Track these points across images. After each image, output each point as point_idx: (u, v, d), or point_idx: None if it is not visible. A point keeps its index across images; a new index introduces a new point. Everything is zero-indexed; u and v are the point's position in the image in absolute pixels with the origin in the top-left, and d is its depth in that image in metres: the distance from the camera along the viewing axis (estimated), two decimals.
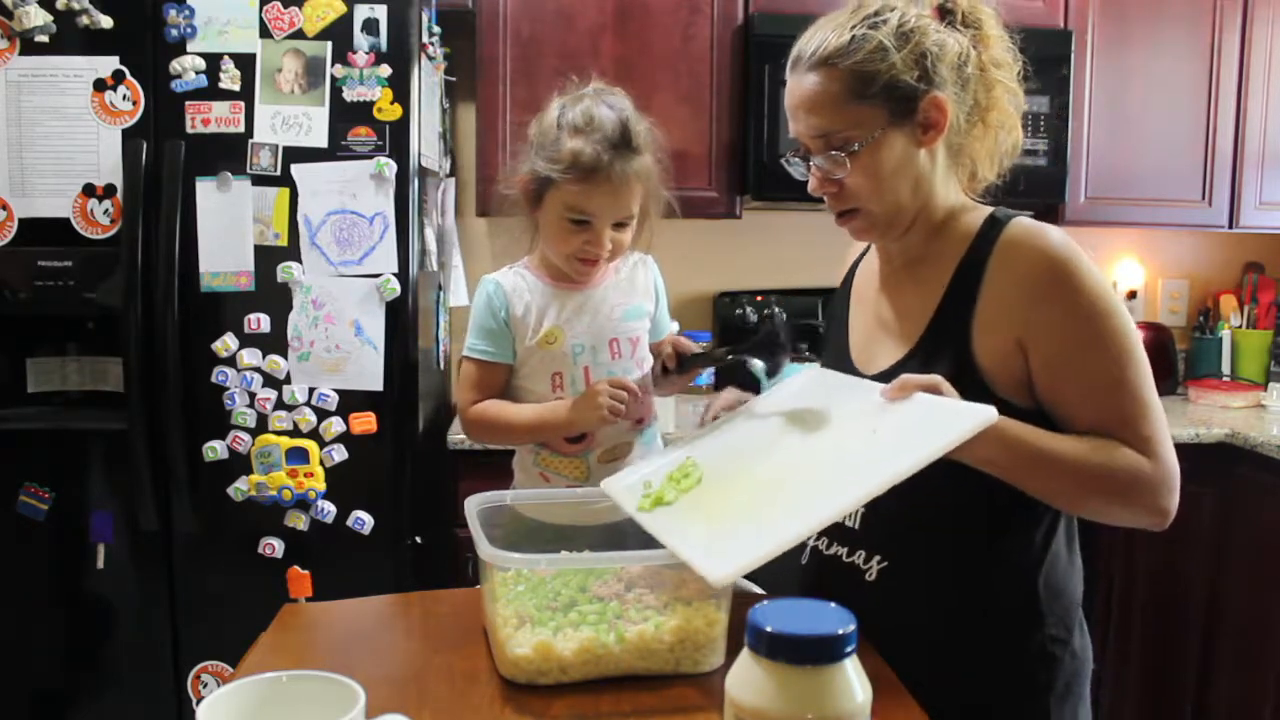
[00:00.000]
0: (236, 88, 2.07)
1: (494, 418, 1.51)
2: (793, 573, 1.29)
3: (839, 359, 1.32)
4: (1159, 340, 3.04)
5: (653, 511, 1.14)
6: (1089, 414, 1.10)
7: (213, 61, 2.07)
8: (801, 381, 1.29)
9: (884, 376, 1.16)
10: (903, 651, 1.07)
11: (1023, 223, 1.16)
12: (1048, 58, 2.66)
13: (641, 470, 1.26)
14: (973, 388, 1.09)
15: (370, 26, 2.08)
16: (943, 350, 1.14)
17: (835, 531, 1.23)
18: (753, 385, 1.36)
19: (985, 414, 1.00)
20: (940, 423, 1.01)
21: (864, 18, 1.15)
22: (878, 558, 1.18)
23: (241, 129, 2.08)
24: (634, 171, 1.42)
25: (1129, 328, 1.11)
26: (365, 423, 2.13)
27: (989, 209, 1.22)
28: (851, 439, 1.10)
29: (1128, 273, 3.24)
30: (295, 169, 2.08)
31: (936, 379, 1.07)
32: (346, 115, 2.08)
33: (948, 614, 1.17)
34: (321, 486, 2.12)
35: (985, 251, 1.15)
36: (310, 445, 2.11)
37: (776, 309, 2.91)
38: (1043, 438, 1.06)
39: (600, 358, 1.50)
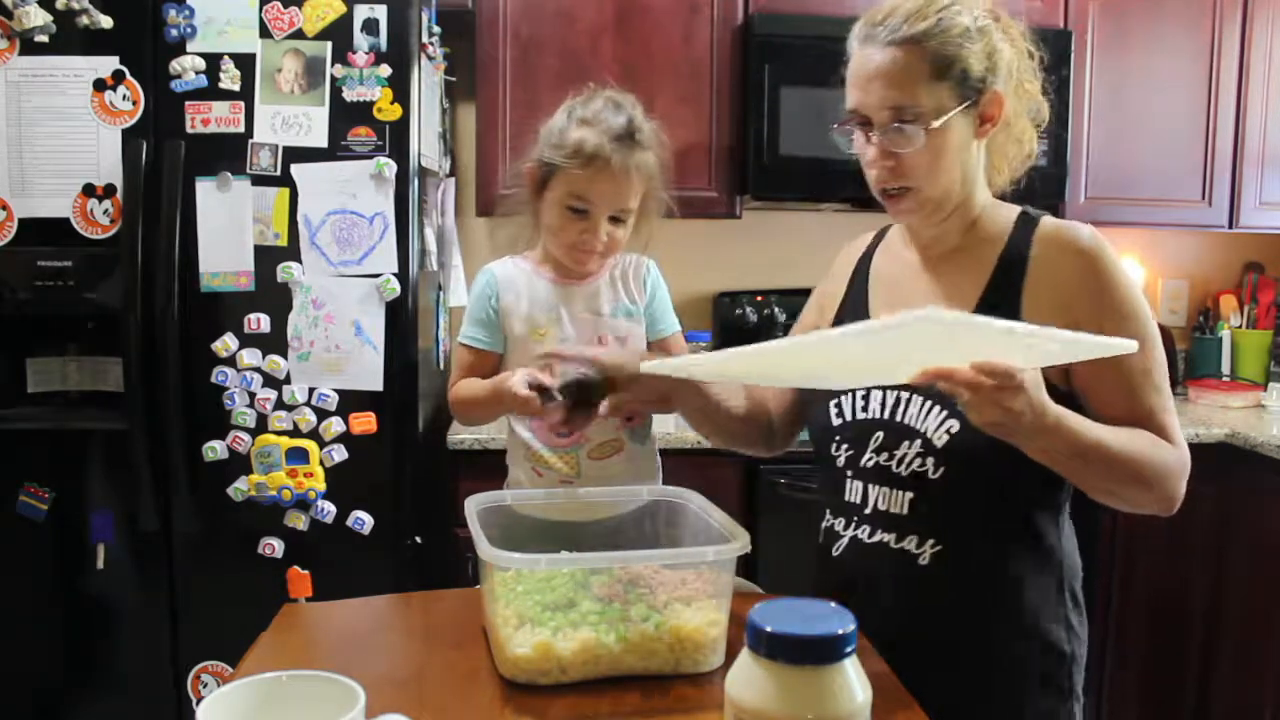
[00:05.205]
0: (236, 88, 2.07)
1: (464, 395, 1.54)
2: (822, 564, 1.32)
3: None
4: None
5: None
6: (1122, 403, 1.16)
7: (213, 61, 2.07)
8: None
9: None
10: (953, 629, 1.18)
11: (1055, 220, 1.25)
12: (1048, 58, 2.66)
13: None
14: None
15: (370, 26, 2.08)
16: None
17: (879, 519, 1.24)
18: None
19: (1129, 343, 0.99)
20: (1084, 338, 0.98)
21: (944, 6, 1.19)
22: (930, 541, 1.20)
23: (241, 129, 2.08)
24: (635, 164, 1.45)
25: (1152, 320, 1.20)
26: (365, 423, 2.13)
27: (1017, 207, 1.29)
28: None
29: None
30: (295, 169, 2.08)
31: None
32: (346, 115, 2.08)
33: (996, 590, 1.22)
34: (321, 486, 2.12)
35: (1025, 244, 1.22)
36: (310, 445, 2.11)
37: (769, 308, 2.91)
38: (1092, 429, 1.09)
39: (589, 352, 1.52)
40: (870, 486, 1.24)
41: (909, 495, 1.21)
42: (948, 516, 1.21)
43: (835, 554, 1.29)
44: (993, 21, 1.23)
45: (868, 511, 1.25)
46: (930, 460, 1.19)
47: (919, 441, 1.20)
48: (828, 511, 1.32)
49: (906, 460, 1.21)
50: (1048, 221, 1.24)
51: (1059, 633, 1.23)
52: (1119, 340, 0.96)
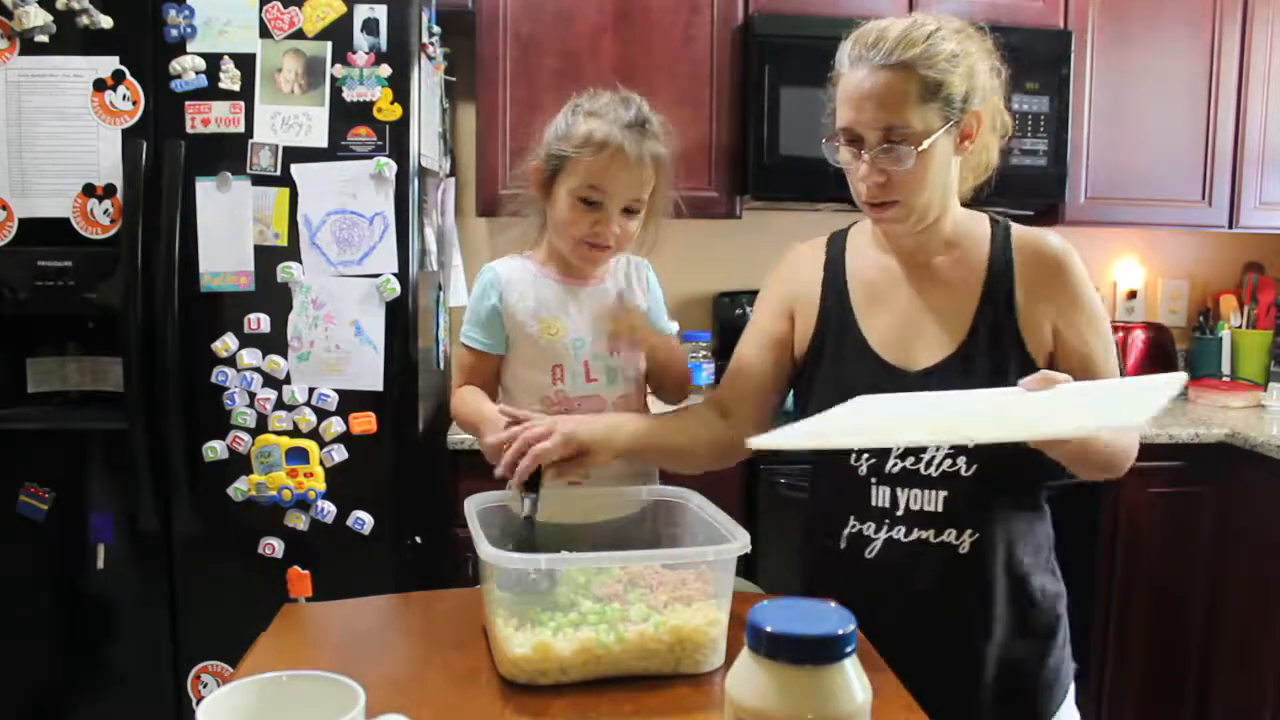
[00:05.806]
0: (236, 88, 2.07)
1: (460, 413, 1.50)
2: (849, 569, 1.35)
3: (861, 360, 1.35)
4: (1159, 340, 3.03)
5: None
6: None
7: (213, 61, 2.07)
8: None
9: (941, 366, 1.30)
10: (988, 601, 1.31)
11: (1023, 227, 1.37)
12: (1048, 58, 2.66)
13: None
14: (1028, 366, 1.27)
15: (370, 26, 2.08)
16: (998, 337, 1.30)
17: (913, 519, 1.31)
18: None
19: (1180, 378, 1.11)
20: (1137, 390, 1.13)
21: (931, 31, 1.25)
22: (969, 531, 1.30)
23: (241, 129, 2.08)
24: (648, 153, 1.42)
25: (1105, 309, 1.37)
26: (365, 423, 2.13)
27: (983, 214, 1.39)
28: (1017, 397, 1.14)
29: (1128, 273, 3.24)
30: (295, 169, 2.08)
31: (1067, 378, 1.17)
32: (346, 115, 2.08)
33: (1021, 561, 1.34)
34: (321, 486, 2.12)
35: (1006, 251, 1.34)
36: (310, 445, 2.11)
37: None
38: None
39: (600, 352, 1.51)
40: (899, 490, 1.30)
41: (942, 494, 1.29)
42: (982, 507, 1.30)
43: (869, 556, 1.33)
44: (970, 42, 1.29)
45: (900, 513, 1.31)
46: (962, 460, 1.28)
47: (947, 444, 1.28)
48: (851, 518, 1.34)
49: (935, 462, 1.29)
50: (1019, 229, 1.35)
51: (1054, 580, 1.38)
52: (1174, 375, 1.11)
